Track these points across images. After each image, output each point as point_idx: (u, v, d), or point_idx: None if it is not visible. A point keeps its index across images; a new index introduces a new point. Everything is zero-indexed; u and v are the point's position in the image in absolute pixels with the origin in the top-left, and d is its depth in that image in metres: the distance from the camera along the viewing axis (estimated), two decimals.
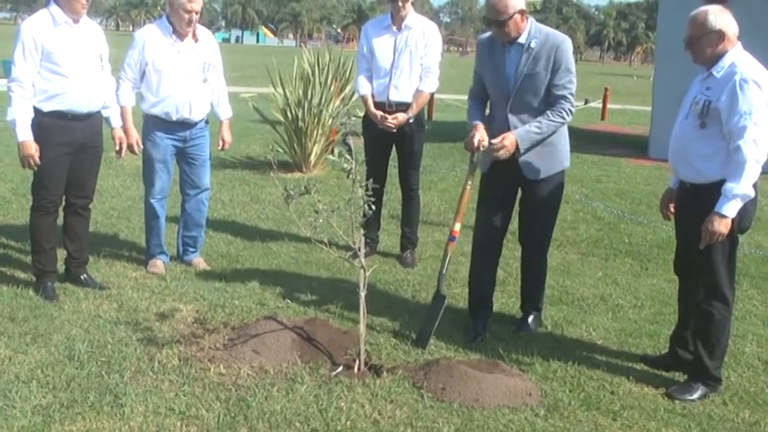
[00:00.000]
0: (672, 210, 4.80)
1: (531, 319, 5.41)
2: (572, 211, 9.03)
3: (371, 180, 6.59)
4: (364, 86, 6.62)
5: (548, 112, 4.96)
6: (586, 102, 25.35)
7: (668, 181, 4.93)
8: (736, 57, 4.28)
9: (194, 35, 6.00)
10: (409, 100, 6.46)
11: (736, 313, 5.80)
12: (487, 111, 5.30)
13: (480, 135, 4.98)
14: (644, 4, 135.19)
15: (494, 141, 4.94)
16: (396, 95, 6.48)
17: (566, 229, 8.11)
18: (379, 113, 6.49)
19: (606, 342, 5.20)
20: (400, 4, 6.39)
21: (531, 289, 5.46)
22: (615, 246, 7.67)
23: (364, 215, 4.39)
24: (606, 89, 23.04)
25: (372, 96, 6.58)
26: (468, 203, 5.16)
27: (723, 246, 4.34)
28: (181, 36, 5.91)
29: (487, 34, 5.23)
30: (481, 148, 5.00)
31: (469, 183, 5.15)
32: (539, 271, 5.45)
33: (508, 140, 4.90)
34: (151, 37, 5.92)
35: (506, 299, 5.80)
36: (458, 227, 5.18)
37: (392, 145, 6.68)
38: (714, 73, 4.31)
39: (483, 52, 5.18)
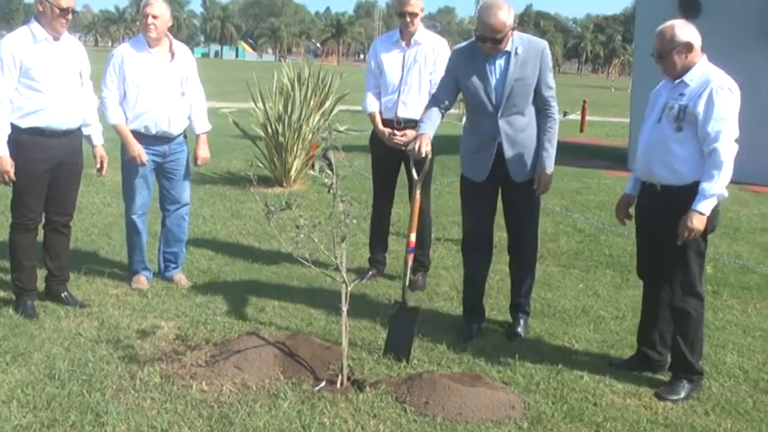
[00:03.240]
0: (629, 214, 5.04)
1: (521, 325, 5.52)
2: (552, 223, 9.08)
3: (376, 200, 6.61)
4: (372, 104, 6.52)
5: (543, 125, 5.28)
6: (565, 114, 25.42)
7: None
8: (706, 67, 4.54)
9: (171, 50, 6.03)
10: (418, 116, 6.29)
11: (716, 323, 5.87)
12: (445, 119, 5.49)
13: (427, 144, 5.11)
14: (621, 17, 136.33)
15: (535, 188, 5.31)
16: (404, 112, 6.36)
17: (546, 242, 8.14)
18: (387, 130, 6.39)
19: (588, 354, 5.22)
20: (408, 19, 6.30)
21: (523, 294, 5.59)
22: (596, 257, 7.71)
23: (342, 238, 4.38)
24: (585, 101, 23.18)
25: (380, 113, 6.50)
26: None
27: (698, 245, 4.57)
28: (152, 47, 5.93)
29: (464, 45, 5.40)
30: (427, 156, 5.17)
31: (418, 193, 5.38)
32: (530, 275, 5.62)
33: (544, 182, 5.30)
34: (128, 53, 5.94)
35: (488, 311, 5.78)
36: (413, 237, 5.33)
37: (400, 163, 6.51)
38: (686, 80, 4.53)
39: (461, 63, 5.30)
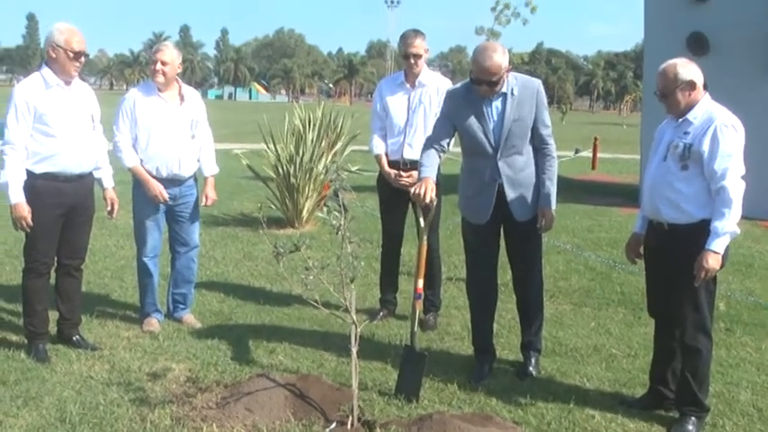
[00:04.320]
0: (639, 254, 5.03)
1: (532, 363, 5.52)
2: (564, 261, 9.07)
3: (386, 241, 6.59)
4: (378, 146, 6.57)
5: (542, 164, 5.30)
6: (577, 151, 25.53)
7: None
8: (709, 105, 4.58)
9: (180, 93, 6.12)
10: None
11: (729, 360, 5.83)
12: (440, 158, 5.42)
13: (432, 191, 5.04)
14: (632, 53, 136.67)
15: (539, 226, 5.28)
16: (410, 153, 6.37)
17: (558, 280, 8.14)
18: (393, 172, 6.43)
19: (600, 392, 5.19)
20: (412, 61, 6.36)
21: (533, 332, 5.59)
22: (608, 295, 7.68)
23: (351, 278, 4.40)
24: (596, 139, 23.20)
25: (386, 155, 6.54)
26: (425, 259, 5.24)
27: (707, 284, 4.55)
28: (161, 91, 6.04)
29: (458, 88, 5.43)
30: (432, 202, 5.08)
31: (425, 239, 5.26)
32: (539, 312, 5.62)
33: (548, 220, 5.26)
34: (139, 97, 6.05)
35: (499, 351, 5.78)
36: (421, 283, 5.27)
37: (408, 204, 6.46)
38: (690, 119, 4.56)
39: (457, 106, 5.30)
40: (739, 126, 4.50)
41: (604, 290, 7.88)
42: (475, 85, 5.14)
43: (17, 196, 5.23)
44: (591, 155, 22.58)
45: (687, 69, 4.55)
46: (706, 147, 4.45)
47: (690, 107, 4.57)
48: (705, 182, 4.49)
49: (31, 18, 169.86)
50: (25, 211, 5.25)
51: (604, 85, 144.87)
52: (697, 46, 12.68)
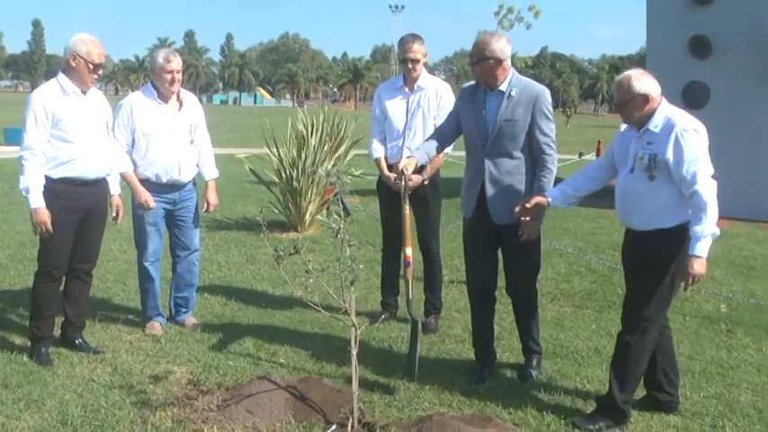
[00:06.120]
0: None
1: (533, 365, 5.54)
2: (566, 264, 9.09)
3: (387, 244, 6.66)
4: (377, 149, 6.60)
5: (537, 173, 5.24)
6: (580, 155, 25.54)
7: None
8: (667, 111, 4.56)
9: (179, 99, 6.15)
10: (422, 162, 6.40)
11: (730, 362, 5.84)
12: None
13: (406, 162, 5.31)
14: (636, 57, 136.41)
15: (520, 234, 5.17)
16: None
17: (559, 282, 8.15)
18: (393, 175, 6.39)
19: (601, 394, 5.19)
20: (410, 66, 6.38)
21: (529, 336, 5.60)
22: (609, 298, 7.68)
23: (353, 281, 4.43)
24: (599, 142, 23.24)
25: (386, 159, 6.57)
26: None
27: (661, 284, 4.58)
28: (165, 98, 6.07)
29: (472, 83, 5.50)
30: (405, 173, 5.32)
31: (406, 207, 5.54)
32: (533, 316, 5.63)
33: (527, 228, 5.17)
34: (137, 103, 6.07)
35: (500, 353, 5.79)
36: (409, 251, 5.53)
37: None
38: (651, 128, 4.54)
39: (464, 99, 5.43)
40: (700, 127, 4.49)
41: (606, 292, 7.89)
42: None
43: (37, 201, 5.27)
44: (594, 158, 22.60)
45: (641, 82, 4.53)
46: (670, 155, 4.43)
47: (647, 117, 4.55)
48: (674, 187, 4.48)
49: (36, 24, 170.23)
50: (46, 215, 5.28)
51: (609, 89, 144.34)
52: (699, 49, 12.65)
